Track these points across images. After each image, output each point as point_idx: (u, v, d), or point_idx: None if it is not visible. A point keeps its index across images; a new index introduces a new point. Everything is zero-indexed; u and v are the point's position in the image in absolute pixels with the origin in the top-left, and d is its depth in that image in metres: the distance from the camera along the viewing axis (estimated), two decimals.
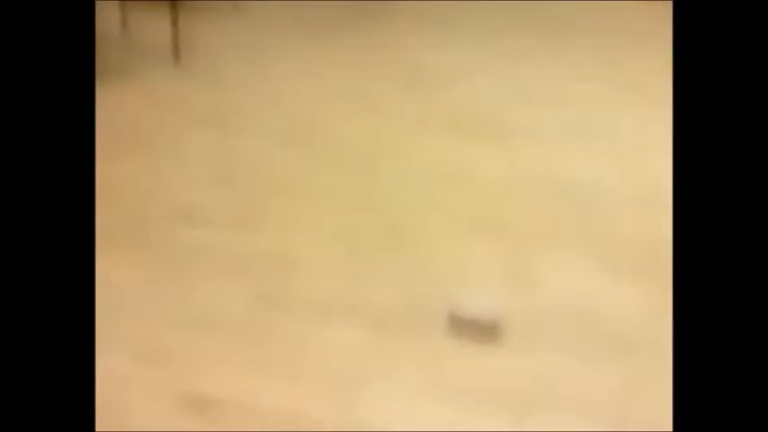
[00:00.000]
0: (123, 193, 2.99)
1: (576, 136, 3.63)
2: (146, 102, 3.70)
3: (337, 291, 2.56)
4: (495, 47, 4.52)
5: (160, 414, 2.10)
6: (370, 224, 2.91)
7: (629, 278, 2.76)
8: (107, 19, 4.66)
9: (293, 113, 3.68)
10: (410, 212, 2.99)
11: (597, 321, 2.54)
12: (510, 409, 2.20)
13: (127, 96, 3.74)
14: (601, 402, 2.25)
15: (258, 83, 3.97)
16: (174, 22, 4.04)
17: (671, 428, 1.62)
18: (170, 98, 3.73)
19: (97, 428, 2.02)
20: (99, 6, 4.76)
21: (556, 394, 2.26)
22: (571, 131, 3.66)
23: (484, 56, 4.42)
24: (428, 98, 3.85)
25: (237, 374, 2.23)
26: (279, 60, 4.23)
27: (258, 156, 3.31)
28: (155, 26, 4.55)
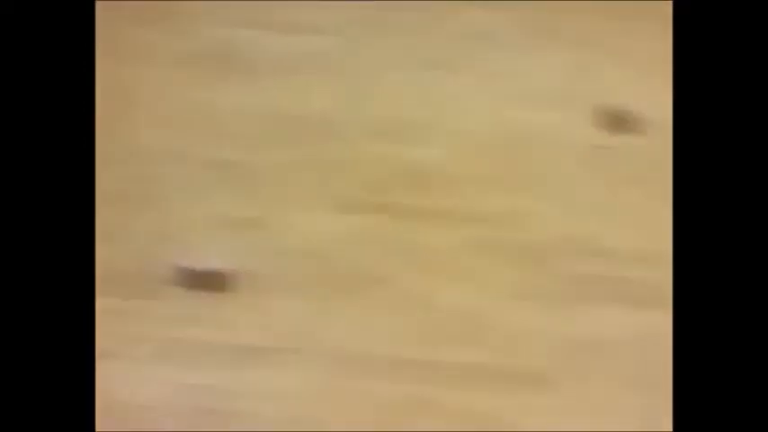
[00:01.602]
0: None
1: (319, 69, 3.62)
2: None
3: None
4: None
5: None
6: (110, 175, 2.81)
7: (360, 212, 2.78)
8: None
9: None
10: (152, 161, 2.91)
11: (330, 261, 2.56)
12: (248, 360, 2.20)
13: None
14: (339, 344, 2.29)
15: None
16: None
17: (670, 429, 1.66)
18: None
19: None
20: None
21: (294, 340, 2.28)
22: (318, 65, 3.65)
23: None
24: (176, 39, 3.72)
25: None
26: None
27: None
28: None
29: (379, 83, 3.56)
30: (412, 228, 2.72)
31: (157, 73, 3.31)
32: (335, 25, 4.07)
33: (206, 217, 2.71)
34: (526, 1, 4.29)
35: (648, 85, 3.70)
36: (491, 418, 2.16)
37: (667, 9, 4.27)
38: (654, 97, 3.54)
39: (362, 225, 2.71)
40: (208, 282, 2.42)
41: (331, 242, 2.63)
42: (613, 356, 2.32)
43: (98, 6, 3.78)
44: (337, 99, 3.44)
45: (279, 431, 2.15)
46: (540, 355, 2.32)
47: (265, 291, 2.44)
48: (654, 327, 2.42)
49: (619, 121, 3.31)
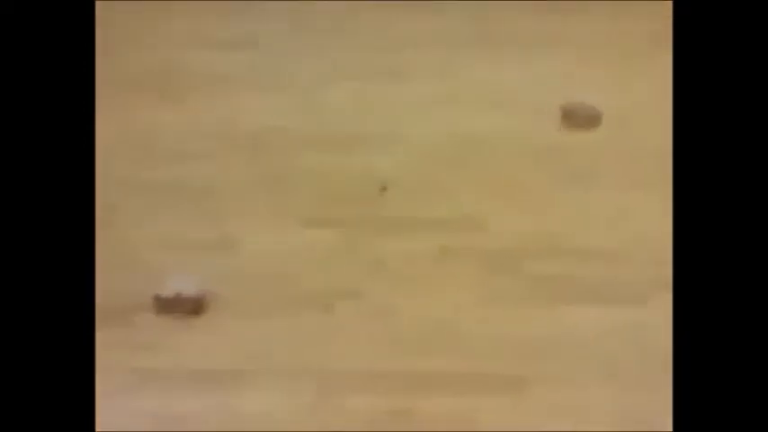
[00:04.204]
0: None
1: (257, 83, 3.60)
2: None
3: None
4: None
5: None
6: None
7: (322, 226, 2.77)
8: None
9: None
10: (107, 189, 2.88)
11: (298, 277, 2.56)
12: (225, 384, 2.18)
13: None
14: (315, 362, 2.28)
15: None
16: None
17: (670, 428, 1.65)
18: None
19: None
20: None
21: (269, 360, 2.27)
22: (254, 79, 3.62)
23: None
24: (114, 64, 3.70)
25: None
26: None
27: None
28: None
29: (330, 93, 3.54)
30: (375, 239, 2.72)
31: (99, 100, 3.27)
32: (278, 37, 4.05)
33: (171, 242, 2.68)
34: (478, 1, 4.31)
35: (602, 82, 3.73)
36: (471, 424, 2.16)
37: (618, 6, 4.32)
38: (607, 93, 3.57)
39: (326, 239, 2.70)
40: (179, 307, 2.39)
41: (296, 259, 2.62)
42: (588, 356, 2.33)
43: None
44: (289, 113, 3.42)
45: None
46: (514, 358, 2.32)
47: (237, 312, 2.42)
48: (625, 323, 2.43)
49: (573, 119, 3.34)
